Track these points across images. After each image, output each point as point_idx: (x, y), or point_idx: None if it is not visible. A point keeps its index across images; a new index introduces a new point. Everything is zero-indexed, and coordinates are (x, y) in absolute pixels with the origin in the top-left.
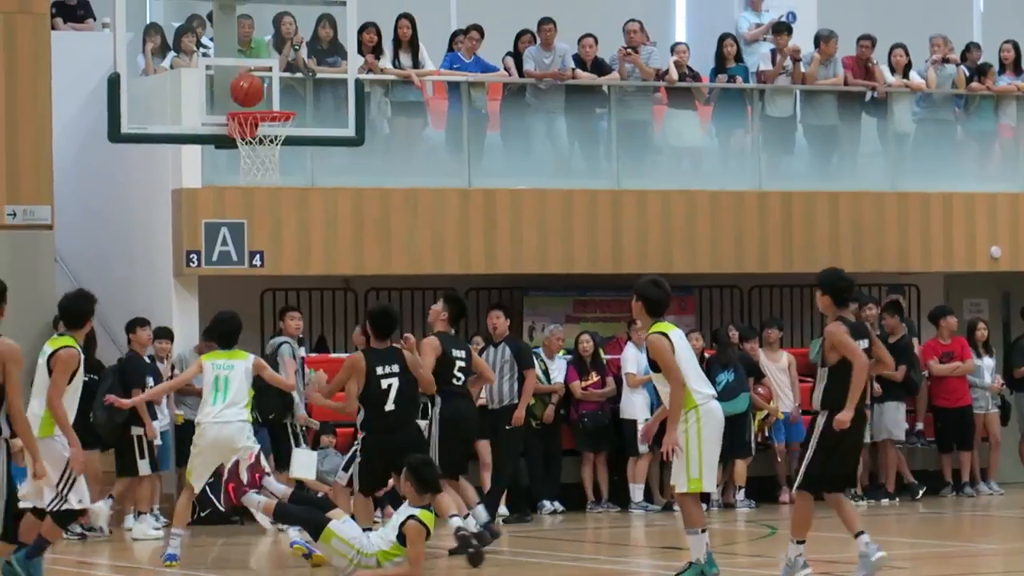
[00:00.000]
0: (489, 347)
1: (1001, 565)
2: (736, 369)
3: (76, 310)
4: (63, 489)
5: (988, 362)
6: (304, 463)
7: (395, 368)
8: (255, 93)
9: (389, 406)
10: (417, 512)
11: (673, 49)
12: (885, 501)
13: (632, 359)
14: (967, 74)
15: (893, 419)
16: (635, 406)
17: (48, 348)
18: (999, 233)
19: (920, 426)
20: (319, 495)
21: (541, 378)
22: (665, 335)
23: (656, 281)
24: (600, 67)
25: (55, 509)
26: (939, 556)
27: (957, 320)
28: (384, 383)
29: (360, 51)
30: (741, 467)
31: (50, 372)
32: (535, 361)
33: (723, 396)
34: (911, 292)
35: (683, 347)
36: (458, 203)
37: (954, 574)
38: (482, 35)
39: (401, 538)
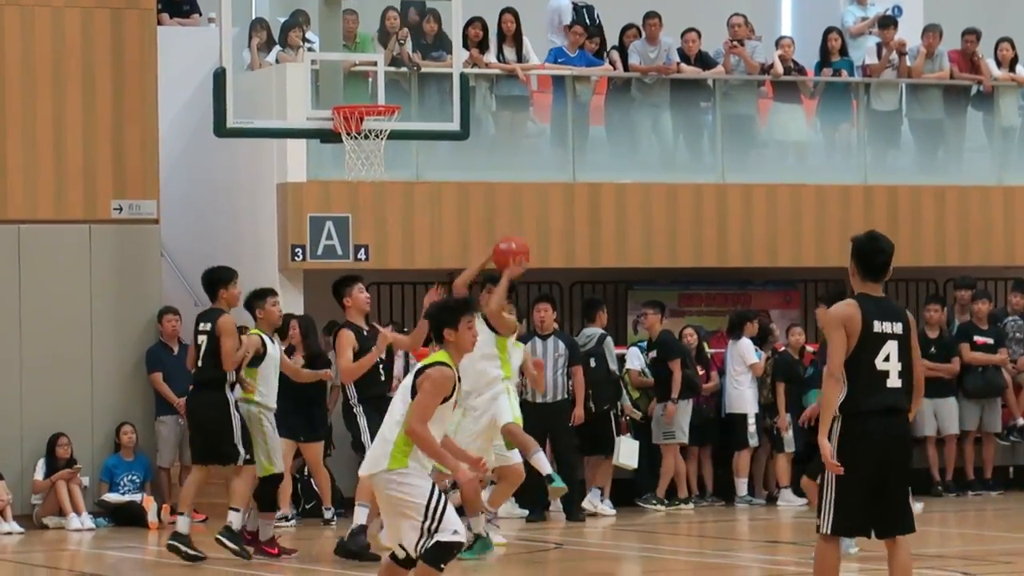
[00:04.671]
0: (536, 339)
1: None
2: (816, 365)
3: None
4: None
5: None
6: (629, 451)
7: None
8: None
9: None
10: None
11: (778, 43)
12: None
13: (749, 350)
14: None
15: (949, 414)
16: (744, 400)
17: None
18: None
19: (1022, 421)
20: None
21: (646, 372)
22: None
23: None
24: (705, 61)
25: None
26: None
27: None
28: None
29: (465, 45)
30: None
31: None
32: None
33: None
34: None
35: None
36: (562, 197)
37: None
38: (587, 30)
39: None
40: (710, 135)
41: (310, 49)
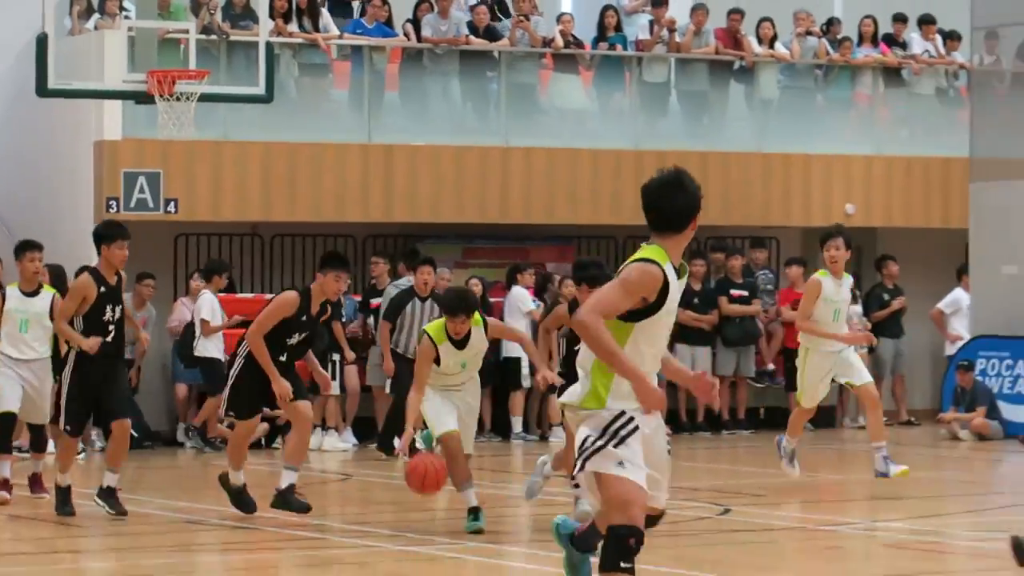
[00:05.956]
0: (416, 301)
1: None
2: None
3: None
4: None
5: (855, 308)
6: None
7: None
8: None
9: None
10: None
11: (559, 18)
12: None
13: (524, 298)
14: (828, 46)
15: (705, 361)
16: (516, 345)
17: None
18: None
19: (771, 367)
20: None
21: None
22: None
23: None
24: (492, 34)
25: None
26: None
27: (802, 270)
28: None
29: (271, 16)
30: None
31: None
32: None
33: None
34: (772, 244)
35: None
36: (359, 157)
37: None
38: (385, 2)
39: None
40: (495, 102)
41: (127, 17)
